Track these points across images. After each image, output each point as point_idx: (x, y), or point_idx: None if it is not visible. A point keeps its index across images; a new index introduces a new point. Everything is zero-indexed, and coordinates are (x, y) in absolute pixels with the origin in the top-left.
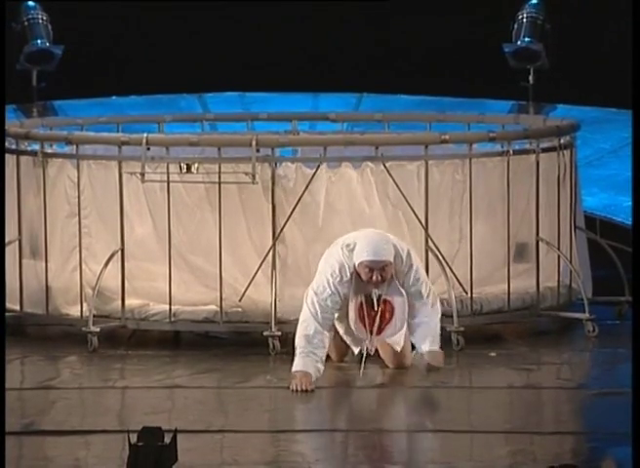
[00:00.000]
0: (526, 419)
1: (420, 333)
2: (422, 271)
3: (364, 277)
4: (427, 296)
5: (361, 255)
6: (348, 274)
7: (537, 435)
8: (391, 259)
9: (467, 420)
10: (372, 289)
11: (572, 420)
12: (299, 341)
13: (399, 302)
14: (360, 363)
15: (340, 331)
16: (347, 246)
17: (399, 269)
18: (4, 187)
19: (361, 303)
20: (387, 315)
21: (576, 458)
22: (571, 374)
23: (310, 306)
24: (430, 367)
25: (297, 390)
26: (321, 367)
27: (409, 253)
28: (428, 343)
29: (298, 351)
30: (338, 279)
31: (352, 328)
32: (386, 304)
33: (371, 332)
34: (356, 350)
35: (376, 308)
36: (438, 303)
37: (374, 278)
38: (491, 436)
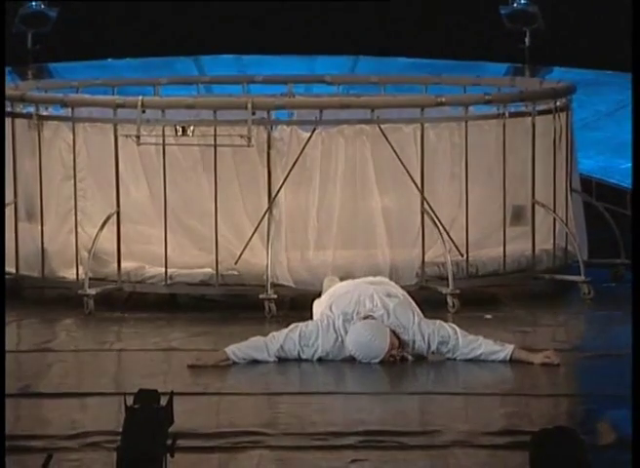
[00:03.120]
0: (521, 381)
1: (487, 354)
2: (427, 323)
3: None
4: (452, 335)
5: (371, 361)
6: (341, 346)
7: (532, 397)
8: (387, 347)
9: (462, 382)
10: None
11: (567, 382)
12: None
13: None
14: None
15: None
16: (345, 315)
17: (405, 339)
18: (4, 151)
19: None
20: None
21: (571, 420)
22: (566, 337)
23: (283, 336)
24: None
25: (194, 365)
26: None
27: (405, 315)
28: (501, 350)
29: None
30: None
31: None
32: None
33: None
34: None
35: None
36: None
37: (393, 355)
38: (486, 398)
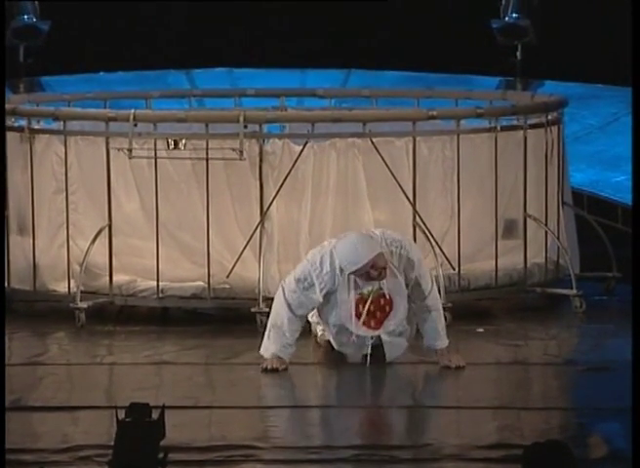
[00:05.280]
0: (513, 395)
1: (427, 330)
2: (424, 266)
3: (364, 279)
4: (429, 292)
5: (346, 268)
6: (329, 268)
7: (524, 411)
8: (374, 256)
9: (455, 396)
10: (366, 285)
11: (559, 396)
12: (270, 325)
13: (398, 293)
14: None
15: (335, 345)
16: (331, 243)
17: (396, 263)
18: (5, 165)
19: (357, 300)
20: (387, 308)
21: (563, 434)
22: (558, 350)
23: (287, 295)
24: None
25: (267, 369)
26: (291, 350)
27: (406, 247)
28: (438, 339)
29: (268, 334)
30: (317, 271)
31: (351, 328)
32: (384, 298)
33: (370, 327)
34: (359, 358)
35: (371, 301)
36: (437, 295)
37: (372, 276)
38: (478, 412)
